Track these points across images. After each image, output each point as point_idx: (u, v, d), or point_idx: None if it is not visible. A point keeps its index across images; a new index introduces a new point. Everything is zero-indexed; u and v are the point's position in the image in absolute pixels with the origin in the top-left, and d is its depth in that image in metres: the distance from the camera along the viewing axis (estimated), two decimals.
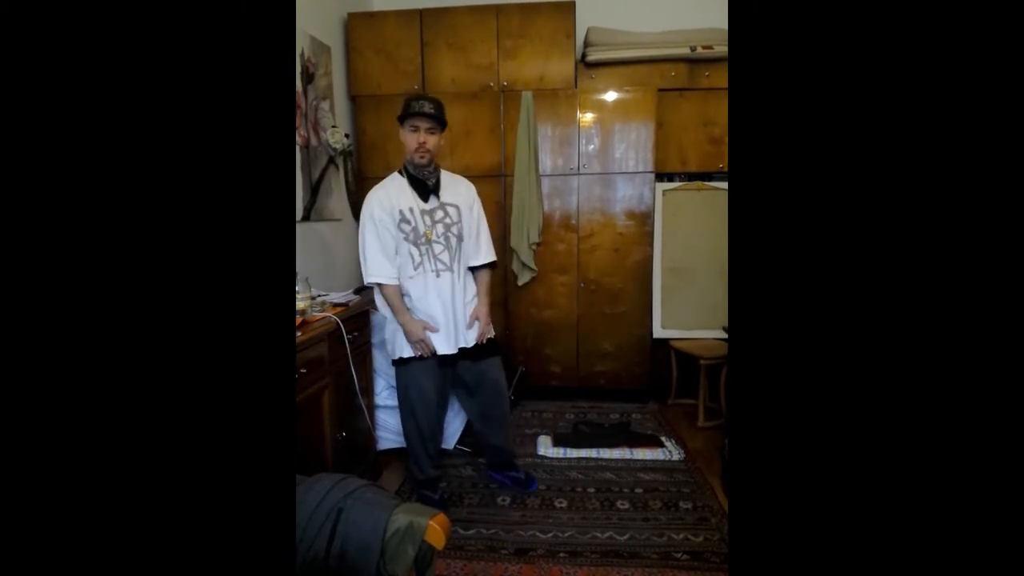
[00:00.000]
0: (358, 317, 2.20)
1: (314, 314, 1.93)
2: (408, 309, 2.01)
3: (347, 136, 2.96)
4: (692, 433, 2.83)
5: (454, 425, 2.52)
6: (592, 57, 3.12)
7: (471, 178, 2.21)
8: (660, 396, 3.25)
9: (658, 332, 3.24)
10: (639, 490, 2.25)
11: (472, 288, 2.13)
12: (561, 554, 1.83)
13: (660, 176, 3.17)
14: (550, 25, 3.03)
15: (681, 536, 1.92)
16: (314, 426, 1.86)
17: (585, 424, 2.88)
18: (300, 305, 1.87)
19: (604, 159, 3.10)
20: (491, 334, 2.15)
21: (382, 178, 3.18)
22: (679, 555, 1.82)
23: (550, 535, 1.94)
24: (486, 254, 2.13)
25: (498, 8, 3.05)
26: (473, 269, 2.12)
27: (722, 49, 3.03)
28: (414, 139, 1.93)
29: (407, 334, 1.99)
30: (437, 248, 1.99)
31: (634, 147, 3.07)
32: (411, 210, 1.96)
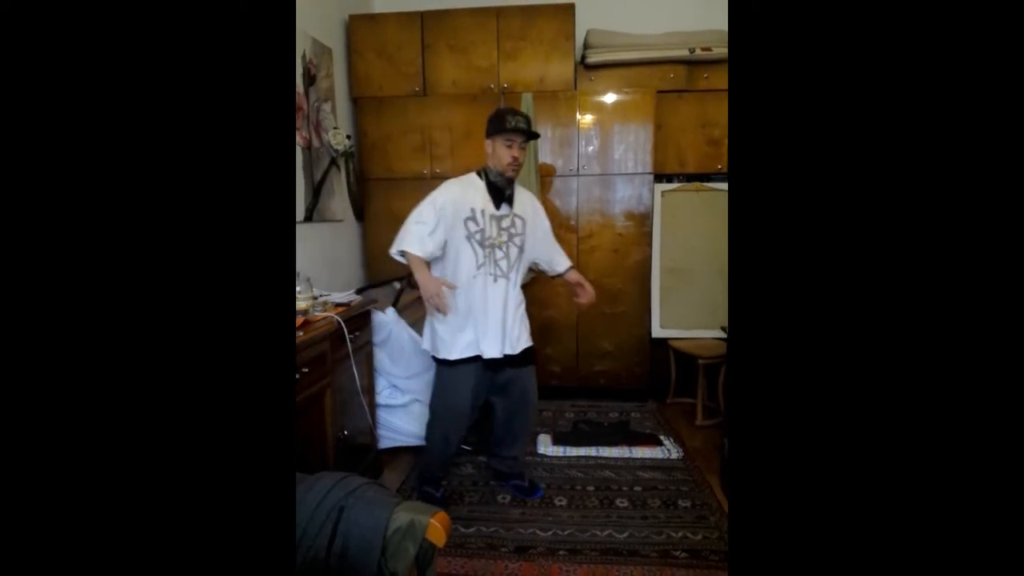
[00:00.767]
0: (359, 317, 2.21)
1: (316, 314, 1.94)
2: (456, 308, 1.99)
3: (349, 137, 2.98)
4: (691, 432, 2.85)
5: None
6: (592, 59, 3.13)
7: None
8: (659, 395, 3.26)
9: (657, 332, 3.26)
10: (638, 488, 2.27)
11: (522, 296, 2.14)
12: (561, 552, 1.85)
13: (659, 177, 3.19)
14: (550, 27, 3.04)
15: (680, 534, 1.94)
16: (315, 425, 1.88)
17: (585, 423, 2.90)
18: (302, 305, 1.89)
19: (603, 160, 3.12)
20: (528, 343, 2.14)
21: (384, 179, 3.24)
22: (678, 553, 1.83)
23: (550, 533, 1.96)
24: (565, 259, 2.23)
25: (498, 10, 3.06)
26: (560, 274, 2.22)
27: (721, 51, 3.05)
28: (508, 154, 1.94)
29: (422, 289, 1.92)
30: (499, 254, 2.00)
31: (633, 148, 3.09)
32: (482, 212, 1.97)
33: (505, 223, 2.02)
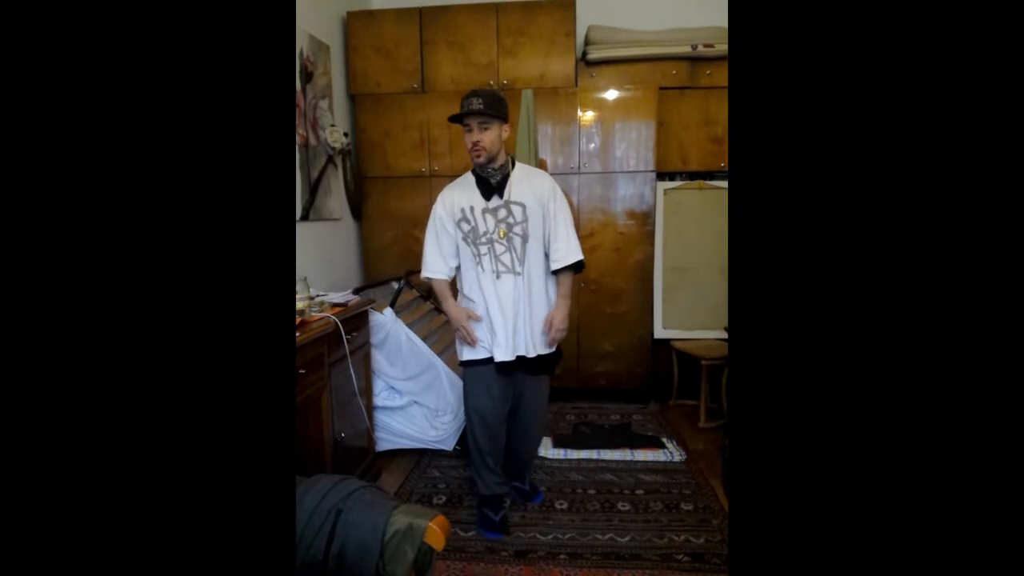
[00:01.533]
0: (357, 317, 2.18)
1: (313, 314, 1.91)
2: (458, 304, 1.97)
3: (346, 135, 2.95)
4: (693, 434, 2.82)
5: (454, 425, 2.51)
6: (593, 55, 3.10)
7: None
8: (661, 397, 3.23)
9: (659, 332, 3.23)
10: (640, 491, 2.23)
11: (552, 291, 1.96)
12: (561, 556, 1.82)
13: (661, 175, 3.16)
14: (550, 23, 3.01)
15: (682, 538, 1.91)
16: (313, 427, 1.84)
17: (586, 425, 2.87)
18: (299, 305, 1.85)
19: (605, 158, 3.09)
20: (547, 349, 1.99)
21: (382, 177, 3.21)
22: (680, 557, 1.80)
23: (550, 537, 1.93)
24: (566, 254, 1.90)
25: (498, 6, 3.03)
26: (556, 272, 1.93)
27: (723, 47, 3.02)
28: (468, 139, 1.83)
29: (450, 320, 1.95)
30: (499, 249, 1.87)
31: (635, 146, 3.06)
32: (472, 209, 1.87)
33: (501, 214, 1.87)
